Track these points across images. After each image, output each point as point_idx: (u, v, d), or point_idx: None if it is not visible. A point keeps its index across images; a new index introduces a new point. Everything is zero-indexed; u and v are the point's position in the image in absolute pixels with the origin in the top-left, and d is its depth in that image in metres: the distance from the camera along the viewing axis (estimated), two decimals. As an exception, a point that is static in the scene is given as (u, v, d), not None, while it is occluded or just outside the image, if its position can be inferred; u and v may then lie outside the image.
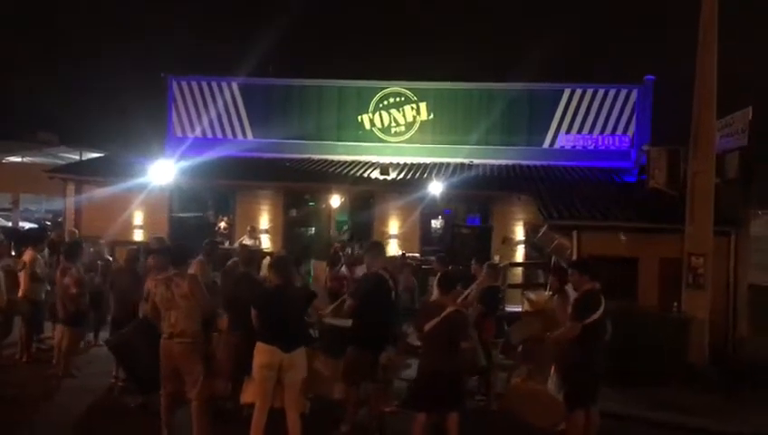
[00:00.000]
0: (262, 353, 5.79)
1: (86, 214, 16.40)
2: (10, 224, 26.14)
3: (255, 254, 7.69)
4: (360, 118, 19.14)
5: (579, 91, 18.34)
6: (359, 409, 6.78)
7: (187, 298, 6.07)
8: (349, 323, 6.67)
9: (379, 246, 7.18)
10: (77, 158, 23.78)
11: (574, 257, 11.22)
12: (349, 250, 12.29)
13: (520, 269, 15.06)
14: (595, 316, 6.21)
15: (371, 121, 19.10)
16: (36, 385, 8.11)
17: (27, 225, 24.70)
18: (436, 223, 17.63)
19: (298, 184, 16.55)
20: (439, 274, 6.86)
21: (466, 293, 8.43)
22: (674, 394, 8.99)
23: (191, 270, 7.51)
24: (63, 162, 22.05)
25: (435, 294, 6.24)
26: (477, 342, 7.43)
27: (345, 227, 17.01)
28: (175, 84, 19.75)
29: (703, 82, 10.34)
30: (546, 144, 18.49)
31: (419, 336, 6.08)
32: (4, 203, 31.35)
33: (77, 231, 11.88)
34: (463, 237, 14.05)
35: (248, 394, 6.07)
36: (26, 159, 27.73)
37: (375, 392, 6.78)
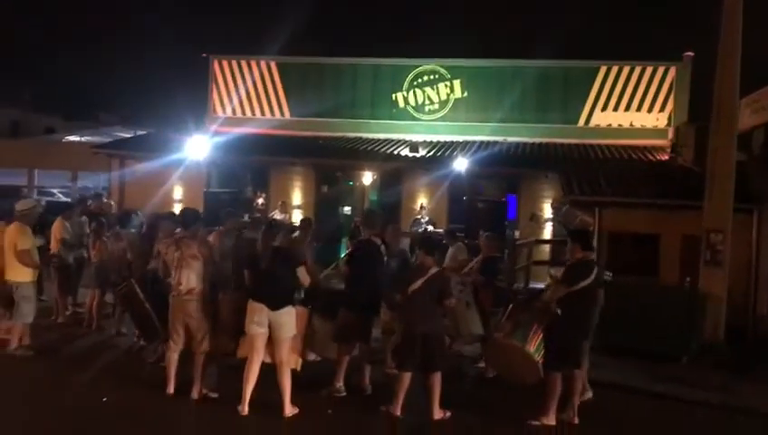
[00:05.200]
0: (252, 310, 6.15)
1: (129, 188, 17.21)
2: (69, 199, 27.49)
3: (261, 220, 8.05)
4: (394, 96, 19.34)
5: (615, 69, 18.09)
6: (349, 368, 7.06)
7: (195, 258, 6.46)
8: (342, 286, 6.98)
9: (375, 215, 7.43)
10: (131, 136, 24.77)
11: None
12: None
13: (548, 246, 15.08)
14: (584, 283, 6.32)
15: (405, 99, 19.28)
16: (63, 343, 8.68)
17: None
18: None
19: (329, 161, 16.89)
20: (421, 237, 7.07)
21: (471, 264, 8.66)
22: (682, 369, 8.96)
23: (210, 239, 7.98)
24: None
25: (418, 257, 6.46)
26: (476, 310, 7.64)
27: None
28: (216, 64, 20.35)
29: (725, 54, 10.09)
30: (581, 122, 18.32)
31: (402, 298, 6.33)
32: (64, 180, 32.99)
33: (113, 203, 12.53)
34: (479, 212, 14.16)
35: (243, 349, 6.43)
36: (85, 139, 28.96)
37: (365, 353, 7.07)
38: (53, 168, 23.53)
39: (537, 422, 6.30)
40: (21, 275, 7.87)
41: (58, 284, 9.84)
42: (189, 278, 6.44)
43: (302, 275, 6.33)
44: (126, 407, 6.43)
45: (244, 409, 6.15)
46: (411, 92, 19.22)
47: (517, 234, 12.91)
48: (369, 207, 8.02)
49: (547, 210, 15.60)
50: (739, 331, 10.33)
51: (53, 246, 9.69)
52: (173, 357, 6.66)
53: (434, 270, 6.25)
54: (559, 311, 6.25)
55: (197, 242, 6.59)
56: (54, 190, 28.10)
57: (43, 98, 33.84)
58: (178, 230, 6.90)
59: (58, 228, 9.72)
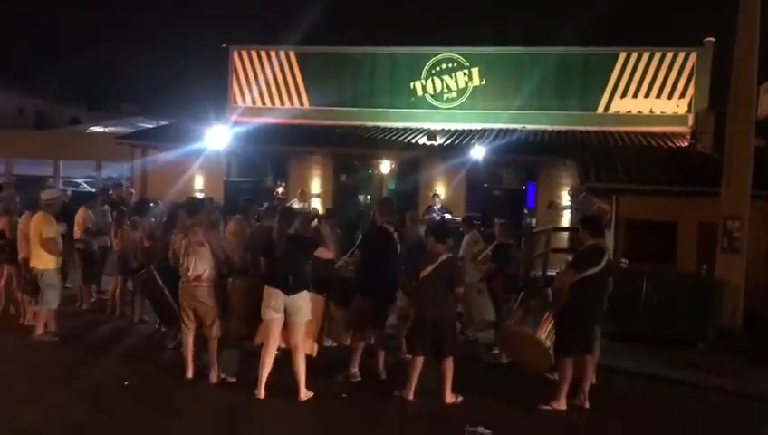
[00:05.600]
0: (268, 296, 6.30)
1: (151, 178, 17.51)
2: (94, 189, 27.96)
3: (275, 209, 8.19)
4: (412, 84, 19.35)
5: (635, 55, 17.94)
6: (363, 354, 7.17)
7: (202, 245, 6.63)
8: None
9: (390, 202, 7.53)
10: (152, 127, 25.09)
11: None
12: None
13: (566, 234, 15.05)
14: (594, 270, 6.36)
15: (424, 88, 19.29)
16: (87, 330, 8.92)
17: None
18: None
19: (347, 150, 17.01)
20: (433, 224, 7.15)
21: (486, 251, 8.74)
22: (699, 356, 8.94)
23: (229, 227, 8.15)
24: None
25: (429, 244, 6.54)
26: (488, 296, 7.72)
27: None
28: (235, 54, 20.51)
29: (743, 40, 10.01)
30: (600, 109, 18.21)
31: (414, 284, 6.43)
32: (89, 171, 33.54)
33: (133, 191, 12.80)
34: (497, 200, 14.20)
35: (259, 335, 6.58)
36: (108, 129, 29.35)
37: (378, 339, 7.18)
38: (78, 158, 23.97)
39: (548, 407, 6.38)
40: (45, 262, 8.11)
41: (82, 271, 10.08)
42: (197, 265, 6.60)
43: (322, 252, 6.51)
44: (146, 391, 6.62)
45: (261, 393, 6.32)
46: (429, 81, 19.22)
47: (533, 221, 12.89)
48: (385, 195, 8.12)
49: (565, 198, 15.57)
50: (757, 317, 10.26)
51: (77, 235, 9.92)
52: (188, 341, 6.83)
53: (444, 257, 6.34)
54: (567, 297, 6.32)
55: (203, 229, 6.74)
56: (79, 180, 28.61)
57: (67, 89, 34.34)
58: None
59: (82, 217, 9.95)
